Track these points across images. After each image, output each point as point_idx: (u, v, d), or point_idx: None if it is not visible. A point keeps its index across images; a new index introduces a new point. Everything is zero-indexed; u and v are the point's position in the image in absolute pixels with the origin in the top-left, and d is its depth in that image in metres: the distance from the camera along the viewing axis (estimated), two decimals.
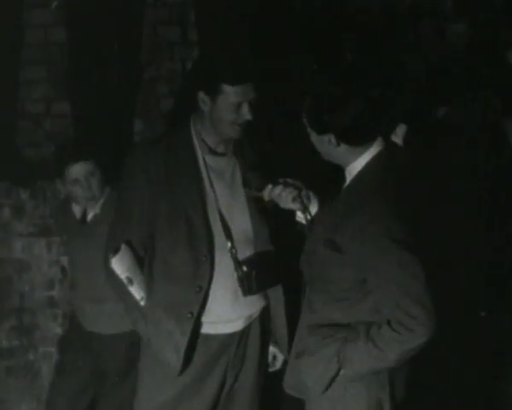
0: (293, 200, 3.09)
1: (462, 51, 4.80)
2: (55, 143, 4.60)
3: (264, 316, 3.49)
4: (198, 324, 3.34)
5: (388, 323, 2.83)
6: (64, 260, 4.64)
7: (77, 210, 4.06)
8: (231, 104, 3.17)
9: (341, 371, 2.93)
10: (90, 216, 4.03)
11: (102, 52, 4.53)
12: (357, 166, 2.93)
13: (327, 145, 2.90)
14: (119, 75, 4.58)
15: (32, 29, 4.65)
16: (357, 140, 2.90)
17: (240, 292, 3.32)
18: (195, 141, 3.31)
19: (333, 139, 2.88)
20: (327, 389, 2.96)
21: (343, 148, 2.90)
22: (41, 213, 4.63)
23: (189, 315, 3.29)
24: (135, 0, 4.64)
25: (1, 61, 4.52)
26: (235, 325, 3.41)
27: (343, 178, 3.01)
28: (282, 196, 3.10)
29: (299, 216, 3.16)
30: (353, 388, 2.97)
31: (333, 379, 2.95)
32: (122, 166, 3.39)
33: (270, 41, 4.54)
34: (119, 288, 3.36)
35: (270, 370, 3.59)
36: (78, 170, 3.92)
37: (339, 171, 3.00)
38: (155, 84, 4.76)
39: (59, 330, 4.67)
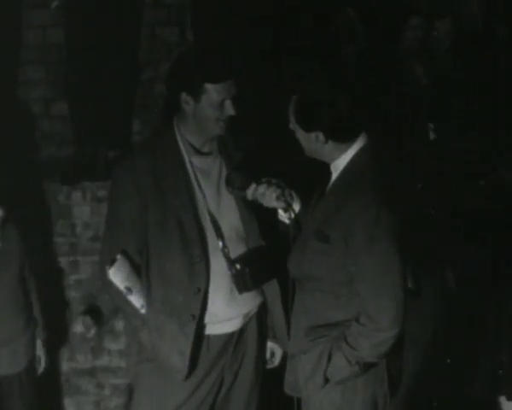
0: (277, 198, 3.11)
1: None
2: (53, 144, 4.62)
3: (261, 313, 3.50)
4: (200, 326, 3.33)
5: (356, 319, 2.90)
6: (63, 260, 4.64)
7: None
8: (214, 102, 3.18)
9: (328, 374, 2.95)
10: None
11: (101, 53, 4.53)
12: (342, 161, 2.95)
13: (314, 142, 2.92)
14: (117, 75, 4.58)
15: (30, 30, 4.68)
16: (344, 137, 2.92)
17: (236, 290, 3.33)
18: (180, 143, 3.31)
19: (321, 136, 2.90)
20: (319, 386, 2.98)
21: (330, 144, 2.92)
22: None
23: (191, 318, 3.29)
24: (133, 1, 4.63)
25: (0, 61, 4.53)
26: (234, 324, 3.41)
27: (327, 176, 3.03)
28: (265, 194, 3.11)
29: (282, 215, 3.18)
30: (349, 384, 2.98)
31: (325, 378, 2.96)
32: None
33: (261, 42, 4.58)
34: (119, 298, 3.36)
35: (269, 366, 3.59)
36: None
37: (324, 168, 3.02)
38: (153, 84, 4.77)
39: None
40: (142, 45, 4.72)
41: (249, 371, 3.49)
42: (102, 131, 4.66)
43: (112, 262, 3.28)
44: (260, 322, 3.49)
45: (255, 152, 3.44)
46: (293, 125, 2.95)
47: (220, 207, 3.34)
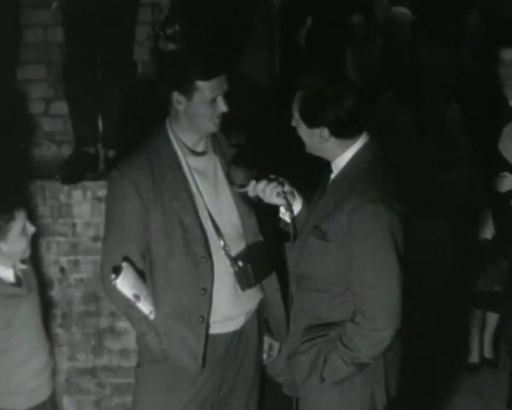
0: (277, 194, 3.13)
1: None
2: (53, 144, 4.62)
3: (260, 309, 3.52)
4: (209, 326, 3.35)
5: (351, 319, 2.90)
6: (63, 260, 4.64)
7: (8, 273, 3.59)
8: (207, 99, 3.20)
9: (324, 375, 2.95)
10: (20, 275, 3.68)
11: (100, 52, 4.53)
12: (343, 158, 2.97)
13: (317, 138, 2.93)
14: (117, 75, 4.57)
15: (31, 29, 4.68)
16: (348, 134, 2.93)
17: (238, 288, 3.34)
18: (175, 145, 3.32)
19: (325, 133, 2.91)
20: (315, 387, 2.98)
21: (332, 141, 2.93)
22: (40, 213, 4.62)
23: (201, 319, 3.30)
24: (133, 1, 4.63)
25: (0, 60, 4.52)
26: (238, 322, 3.43)
27: (329, 174, 3.04)
28: (265, 190, 3.12)
29: (283, 213, 3.19)
30: (347, 384, 2.98)
31: (321, 378, 2.96)
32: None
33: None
34: (124, 305, 3.36)
35: (268, 360, 3.60)
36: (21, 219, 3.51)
37: (326, 167, 3.03)
38: (153, 84, 4.74)
39: (58, 331, 4.66)
40: (142, 45, 4.72)
41: (250, 368, 3.51)
42: (102, 131, 4.66)
43: (117, 271, 3.26)
44: (259, 318, 3.51)
45: (250, 150, 3.45)
46: (296, 121, 2.96)
47: (219, 206, 3.35)
